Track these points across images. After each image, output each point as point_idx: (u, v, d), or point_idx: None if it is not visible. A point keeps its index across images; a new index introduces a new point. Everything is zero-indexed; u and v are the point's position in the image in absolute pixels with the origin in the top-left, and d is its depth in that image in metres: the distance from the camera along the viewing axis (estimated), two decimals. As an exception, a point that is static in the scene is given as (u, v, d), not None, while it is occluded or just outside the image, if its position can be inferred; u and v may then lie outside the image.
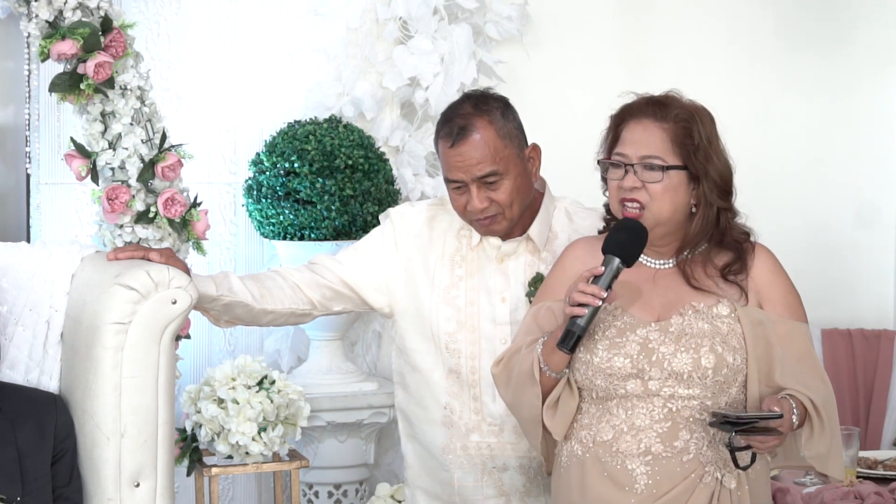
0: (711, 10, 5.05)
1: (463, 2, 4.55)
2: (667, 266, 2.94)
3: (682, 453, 2.83)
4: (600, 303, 2.79)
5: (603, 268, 2.80)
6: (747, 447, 2.77)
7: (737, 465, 2.80)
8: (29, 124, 4.19)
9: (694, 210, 2.90)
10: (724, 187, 2.89)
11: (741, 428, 2.72)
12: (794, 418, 2.78)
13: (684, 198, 2.88)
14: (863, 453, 4.11)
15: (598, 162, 2.95)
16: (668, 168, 2.84)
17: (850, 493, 3.78)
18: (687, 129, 2.85)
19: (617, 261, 2.81)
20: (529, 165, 3.20)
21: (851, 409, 4.93)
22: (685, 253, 2.92)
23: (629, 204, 2.87)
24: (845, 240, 5.22)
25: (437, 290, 3.28)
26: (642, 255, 2.93)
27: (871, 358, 4.96)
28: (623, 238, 2.85)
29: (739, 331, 2.86)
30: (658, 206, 2.85)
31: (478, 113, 3.13)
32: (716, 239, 2.91)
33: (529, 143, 3.22)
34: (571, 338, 2.80)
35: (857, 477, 3.95)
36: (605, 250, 2.84)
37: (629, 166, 2.86)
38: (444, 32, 4.53)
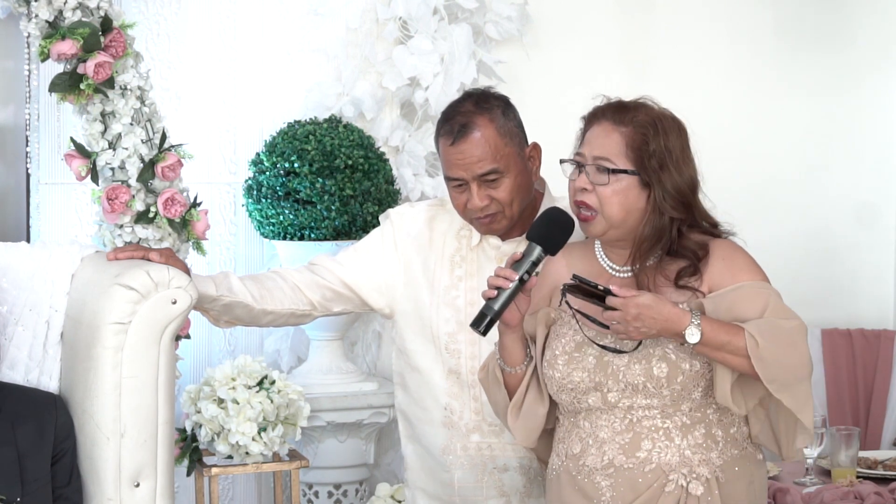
0: (711, 10, 5.05)
1: (463, 2, 4.55)
2: (625, 275, 2.93)
3: (644, 463, 2.82)
4: (511, 286, 2.81)
5: (521, 253, 2.85)
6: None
7: (592, 341, 2.81)
8: (29, 124, 4.19)
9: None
10: (682, 199, 2.86)
11: (577, 288, 2.74)
12: (688, 330, 2.72)
13: (637, 203, 2.85)
14: (863, 453, 4.11)
15: (560, 161, 2.95)
16: (615, 171, 2.83)
17: (850, 493, 3.78)
18: (644, 135, 2.83)
19: (538, 249, 2.85)
20: (530, 164, 3.20)
21: (851, 409, 4.93)
22: (641, 261, 2.88)
23: (581, 208, 2.88)
24: (845, 240, 5.22)
25: (437, 291, 3.28)
26: (604, 260, 2.95)
27: (871, 358, 4.96)
28: (545, 227, 2.89)
29: None
30: (608, 210, 2.84)
31: (479, 111, 3.14)
32: (667, 248, 2.87)
33: (530, 142, 3.22)
34: (483, 319, 2.83)
35: (857, 477, 3.95)
36: (528, 237, 2.89)
37: (582, 166, 2.87)
38: (443, 32, 4.53)
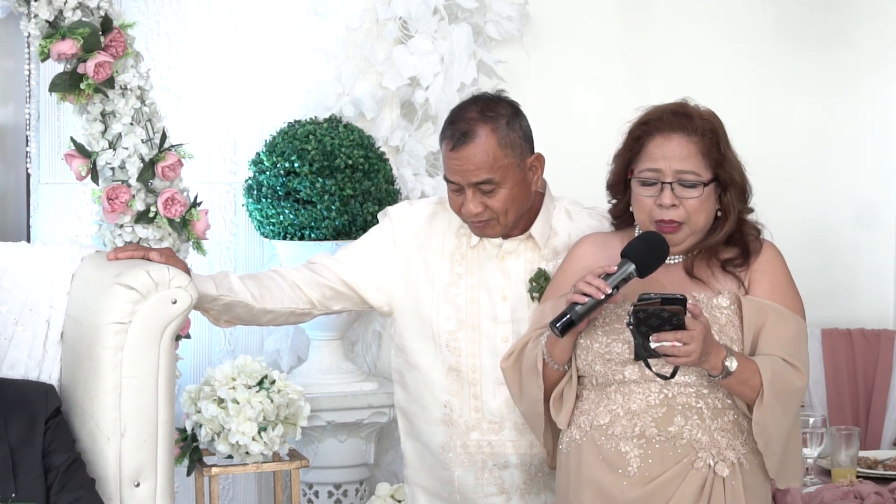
0: (711, 10, 5.04)
1: (463, 2, 4.55)
2: (675, 261, 2.98)
3: (675, 438, 2.86)
4: (602, 297, 2.83)
5: (616, 268, 2.86)
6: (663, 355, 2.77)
7: (649, 367, 2.81)
8: (29, 124, 4.19)
9: (719, 214, 2.94)
10: (744, 188, 2.95)
11: (648, 317, 2.71)
12: (728, 360, 2.78)
13: (714, 206, 2.94)
14: (863, 453, 4.11)
15: (629, 179, 2.96)
16: (707, 184, 2.89)
17: (850, 493, 3.78)
18: (713, 141, 2.91)
19: (632, 267, 2.87)
20: (531, 174, 3.18)
21: (851, 409, 4.93)
22: (695, 251, 2.96)
23: (666, 226, 2.91)
24: (845, 240, 5.22)
25: (437, 289, 3.28)
26: None
27: (871, 358, 4.96)
28: (645, 249, 2.91)
29: (738, 322, 2.89)
30: (695, 220, 2.92)
31: (483, 119, 3.12)
32: (727, 237, 2.97)
33: (536, 151, 3.20)
34: (566, 322, 2.85)
35: (857, 477, 3.95)
36: (624, 254, 2.89)
37: (665, 183, 2.88)
38: (443, 32, 4.53)
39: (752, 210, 2.99)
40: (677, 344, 2.71)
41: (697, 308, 2.77)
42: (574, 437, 2.97)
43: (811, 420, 3.95)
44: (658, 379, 2.84)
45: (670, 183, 2.89)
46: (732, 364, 2.79)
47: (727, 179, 2.91)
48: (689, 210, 2.89)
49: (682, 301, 2.72)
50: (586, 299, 2.84)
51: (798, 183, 5.14)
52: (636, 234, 3.00)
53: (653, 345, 2.73)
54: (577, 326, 2.88)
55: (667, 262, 2.97)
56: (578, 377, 2.99)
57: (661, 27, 4.99)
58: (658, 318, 2.72)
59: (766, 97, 5.10)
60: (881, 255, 5.25)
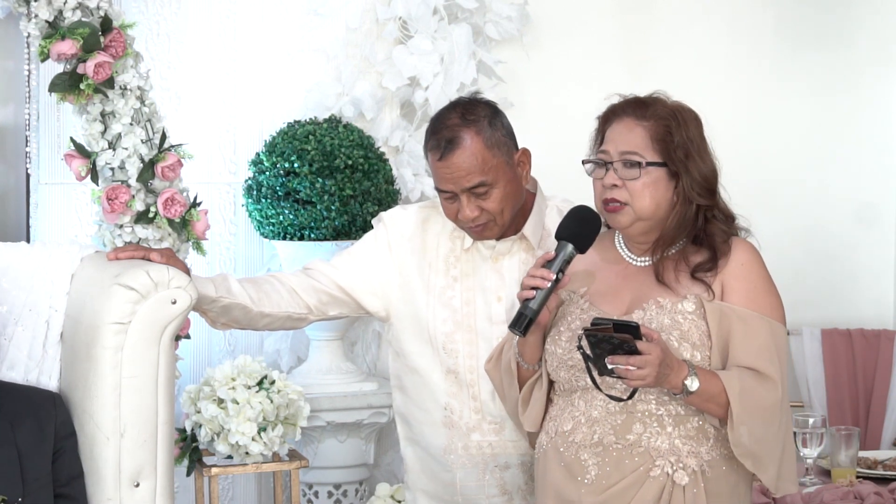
0: (711, 10, 5.05)
1: (463, 2, 4.55)
2: (644, 263, 2.96)
3: (633, 446, 2.83)
4: (549, 285, 2.83)
5: (554, 253, 2.87)
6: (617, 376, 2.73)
7: (598, 388, 2.79)
8: (29, 124, 4.19)
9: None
10: (707, 186, 2.91)
11: (599, 342, 2.69)
12: (688, 379, 2.74)
13: (666, 194, 2.89)
14: (863, 453, 4.11)
15: (583, 162, 2.97)
16: (647, 164, 2.87)
17: (850, 493, 3.78)
18: (667, 127, 2.88)
19: (570, 247, 2.87)
20: (519, 170, 3.19)
21: (851, 409, 4.93)
22: (661, 251, 2.92)
23: (610, 205, 2.89)
24: (845, 240, 5.22)
25: (433, 292, 3.28)
26: (623, 250, 2.97)
27: (871, 358, 4.96)
28: (575, 225, 2.91)
29: (704, 328, 2.84)
30: (639, 203, 2.87)
31: (465, 124, 3.13)
32: (692, 236, 2.92)
33: (521, 146, 3.21)
34: (523, 321, 2.84)
35: (857, 477, 3.95)
36: (557, 237, 2.90)
37: (609, 164, 2.89)
38: (443, 32, 4.53)
39: (730, 216, 2.94)
40: (631, 368, 2.70)
41: (653, 333, 2.74)
42: (542, 442, 2.96)
43: (811, 420, 3.94)
44: (621, 395, 2.81)
45: (612, 163, 2.88)
46: (693, 384, 2.76)
47: (679, 167, 2.88)
48: (632, 191, 2.87)
49: (634, 329, 2.69)
50: (534, 293, 2.84)
51: (798, 183, 5.15)
52: (615, 236, 2.99)
53: (609, 366, 2.72)
54: (539, 320, 2.87)
55: (635, 263, 2.95)
56: (551, 383, 2.98)
57: (661, 27, 4.99)
58: (609, 344, 2.71)
59: (766, 97, 5.11)
60: (881, 255, 5.26)
